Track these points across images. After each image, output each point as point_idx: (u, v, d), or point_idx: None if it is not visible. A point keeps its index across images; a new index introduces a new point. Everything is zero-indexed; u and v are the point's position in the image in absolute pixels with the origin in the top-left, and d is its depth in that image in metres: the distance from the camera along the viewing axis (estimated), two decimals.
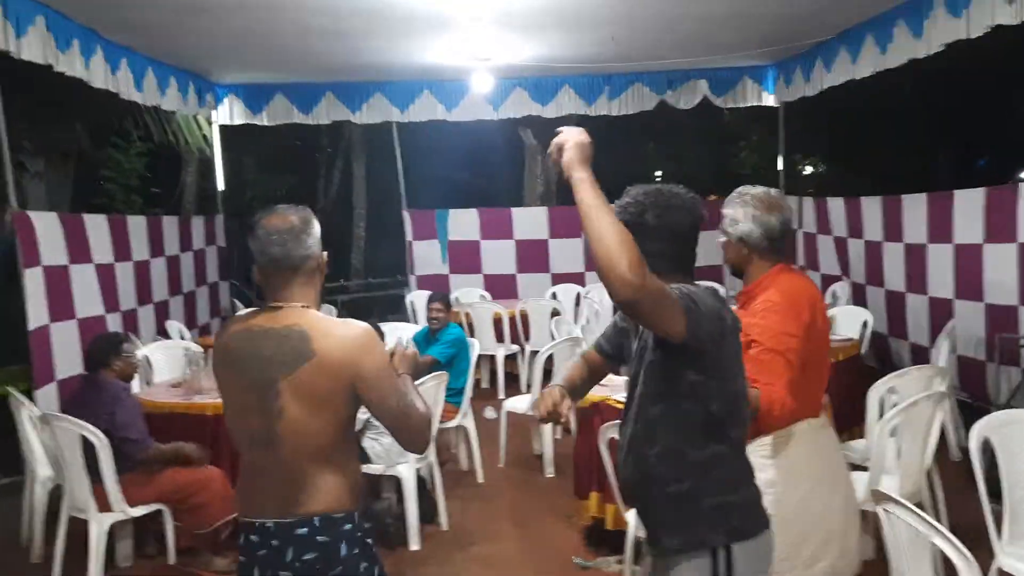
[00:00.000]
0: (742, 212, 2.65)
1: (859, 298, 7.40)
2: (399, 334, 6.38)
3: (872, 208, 7.17)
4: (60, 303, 5.53)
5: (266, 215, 2.13)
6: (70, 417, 3.95)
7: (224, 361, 2.15)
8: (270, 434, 2.04)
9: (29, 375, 5.21)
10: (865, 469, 3.86)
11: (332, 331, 2.05)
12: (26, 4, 4.76)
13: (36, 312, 5.21)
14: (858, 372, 5.63)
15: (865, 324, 6.53)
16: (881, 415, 3.87)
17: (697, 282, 2.10)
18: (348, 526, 2.06)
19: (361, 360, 2.03)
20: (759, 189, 2.74)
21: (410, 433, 2.13)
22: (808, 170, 16.07)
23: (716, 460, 2.01)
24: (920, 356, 6.38)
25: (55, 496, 4.38)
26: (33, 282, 5.20)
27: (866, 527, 4.05)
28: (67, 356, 5.38)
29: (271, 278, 2.12)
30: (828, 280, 8.10)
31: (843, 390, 5.24)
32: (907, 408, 3.52)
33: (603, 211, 1.78)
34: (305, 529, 2.02)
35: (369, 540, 2.13)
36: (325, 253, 2.18)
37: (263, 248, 2.09)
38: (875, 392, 4.08)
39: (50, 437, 4.11)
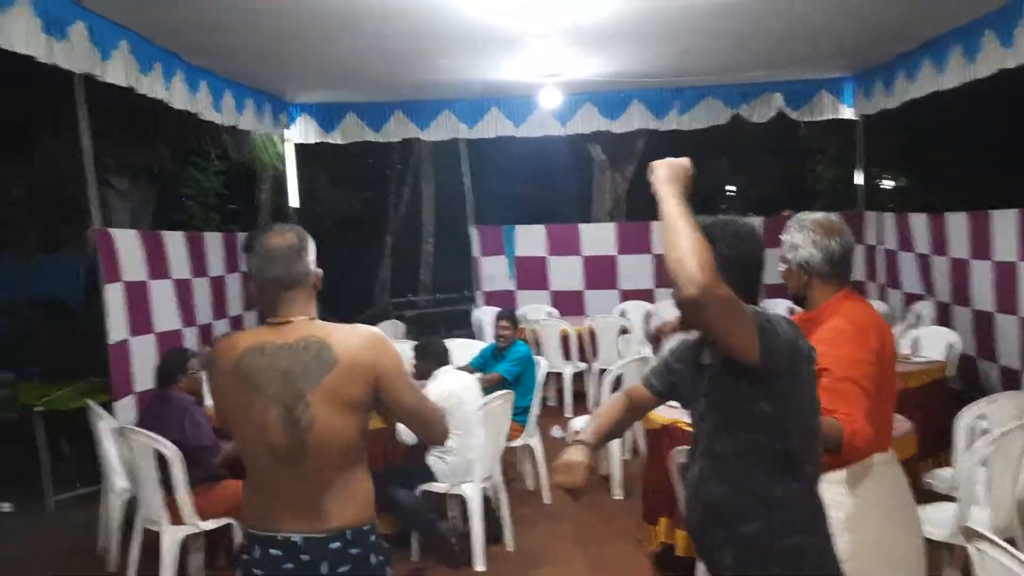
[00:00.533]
0: (801, 237, 2.59)
1: (944, 318, 7.09)
2: (466, 351, 6.41)
3: (957, 224, 6.87)
4: (139, 317, 5.69)
5: (264, 235, 2.21)
6: (145, 431, 4.04)
7: (236, 380, 2.12)
8: (299, 447, 2.06)
9: (108, 388, 5.37)
10: (951, 499, 3.67)
11: (348, 337, 2.12)
12: (111, 28, 4.93)
13: (116, 326, 5.36)
14: (944, 396, 5.39)
15: (951, 346, 6.26)
16: (969, 443, 3.67)
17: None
18: (373, 537, 2.15)
19: (379, 359, 2.12)
20: (818, 214, 2.67)
21: (428, 425, 2.26)
22: (888, 184, 15.55)
23: (790, 499, 1.91)
24: (1011, 380, 6.06)
25: (131, 507, 4.50)
26: (114, 297, 5.36)
27: (953, 560, 3.85)
28: (145, 369, 5.51)
29: (273, 295, 2.17)
30: (911, 298, 7.79)
31: (928, 415, 5.03)
32: (997, 438, 3.33)
33: (686, 220, 1.78)
34: (338, 543, 2.07)
35: (387, 545, 2.21)
36: (320, 271, 2.24)
37: (264, 266, 2.15)
38: (964, 419, 3.87)
39: (126, 449, 4.21)
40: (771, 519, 1.91)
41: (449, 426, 4.43)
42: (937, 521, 3.56)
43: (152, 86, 5.55)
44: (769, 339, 1.82)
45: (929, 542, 3.66)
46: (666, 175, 1.87)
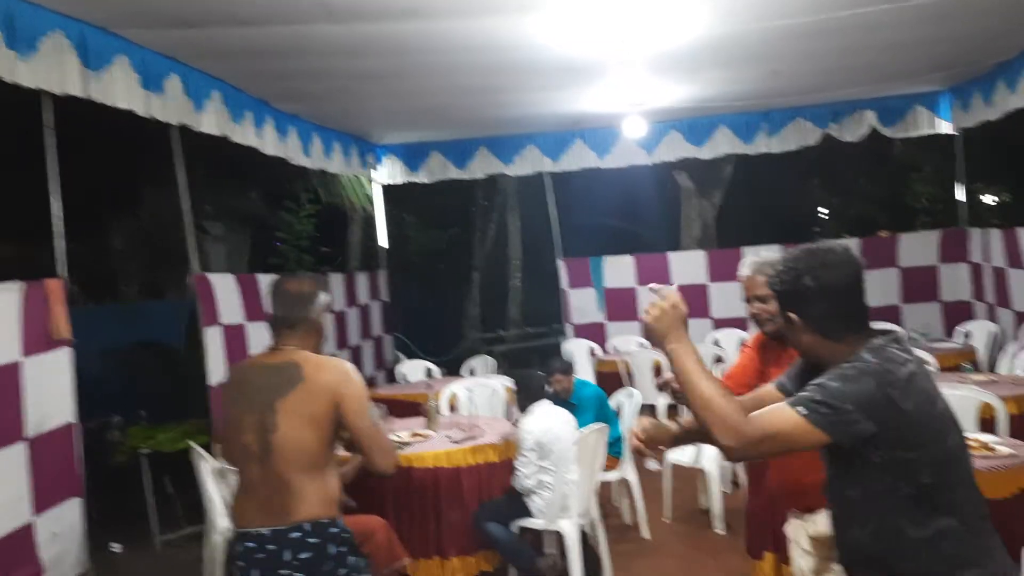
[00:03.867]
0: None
1: None
2: None
3: None
4: (237, 359, 5.84)
5: (286, 279, 2.76)
6: None
7: (234, 392, 2.68)
8: (265, 446, 2.49)
9: (209, 429, 5.51)
10: None
11: (320, 363, 2.56)
12: (204, 80, 5.15)
13: (215, 368, 5.52)
14: None
15: None
16: None
17: (876, 340, 1.88)
18: (334, 529, 2.50)
19: (342, 385, 2.52)
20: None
21: (381, 451, 2.59)
22: (991, 200, 14.82)
23: (944, 535, 1.75)
24: None
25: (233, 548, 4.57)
26: (212, 340, 5.53)
27: None
28: None
29: (276, 329, 2.66)
30: (1022, 318, 7.35)
31: None
32: None
33: (701, 376, 1.83)
34: (299, 533, 2.44)
35: (355, 542, 2.57)
36: (322, 321, 2.71)
37: (275, 305, 2.66)
38: None
39: (226, 489, 4.29)
40: (926, 557, 1.76)
41: (546, 463, 4.42)
42: None
43: (244, 134, 5.76)
44: (833, 426, 1.75)
45: None
46: (662, 332, 1.95)
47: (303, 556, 2.42)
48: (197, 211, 5.70)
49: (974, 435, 3.92)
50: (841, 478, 1.84)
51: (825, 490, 1.95)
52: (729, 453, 1.80)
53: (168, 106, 4.77)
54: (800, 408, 1.77)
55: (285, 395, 2.50)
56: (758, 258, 2.92)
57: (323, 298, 2.71)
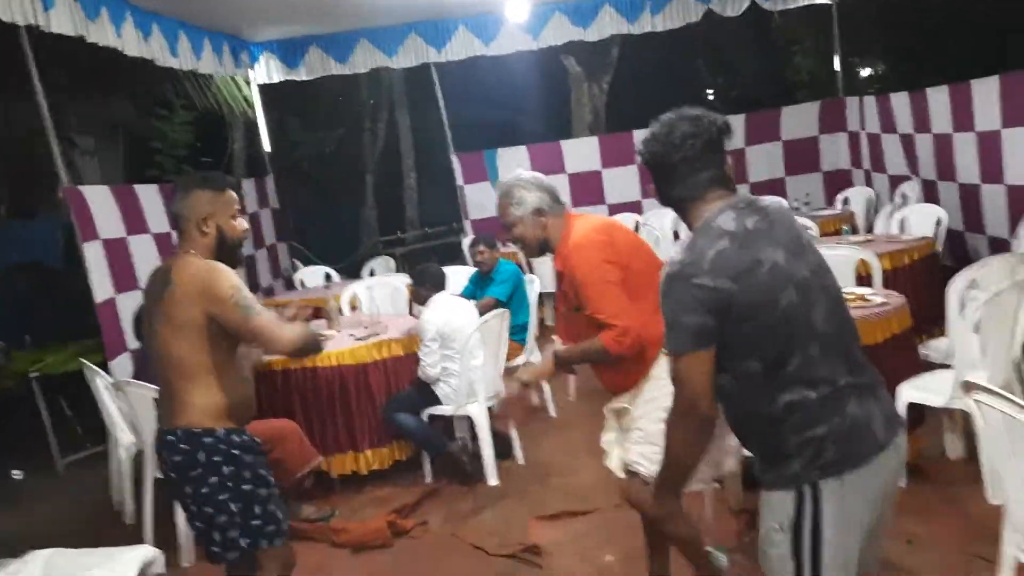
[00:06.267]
0: (520, 193, 2.87)
1: (931, 195, 7.05)
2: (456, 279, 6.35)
3: (939, 99, 6.77)
4: (123, 275, 5.61)
5: (181, 177, 2.65)
6: (141, 382, 4.02)
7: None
8: (153, 352, 2.54)
9: (101, 348, 5.33)
10: (948, 367, 3.70)
11: (188, 266, 2.47)
12: None
13: (100, 285, 5.29)
14: (934, 271, 5.40)
15: (939, 222, 6.25)
16: (962, 309, 3.67)
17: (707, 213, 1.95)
18: (208, 439, 2.47)
19: (206, 290, 2.43)
20: (514, 176, 2.97)
21: (270, 336, 2.50)
22: (869, 70, 15.32)
23: (791, 408, 1.86)
24: (999, 249, 6.05)
25: (139, 460, 4.52)
26: (94, 256, 5.27)
27: (952, 425, 3.91)
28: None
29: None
30: (896, 180, 7.75)
31: (920, 290, 5.05)
32: (990, 299, 3.32)
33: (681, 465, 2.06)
34: (172, 438, 2.49)
35: (236, 452, 2.50)
36: (213, 218, 2.55)
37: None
38: (955, 286, 3.88)
39: (126, 404, 4.20)
40: (782, 433, 1.88)
41: (449, 351, 4.49)
42: (935, 389, 3.59)
43: (101, 33, 5.34)
44: (694, 333, 1.87)
45: (929, 410, 3.72)
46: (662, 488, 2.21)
47: (175, 459, 2.48)
48: (61, 122, 5.31)
49: (851, 288, 4.17)
50: (715, 370, 1.92)
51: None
52: (707, 419, 1.94)
53: (12, 4, 4.37)
54: (666, 349, 1.93)
55: (157, 301, 2.49)
56: (505, 181, 2.94)
57: (202, 195, 2.55)
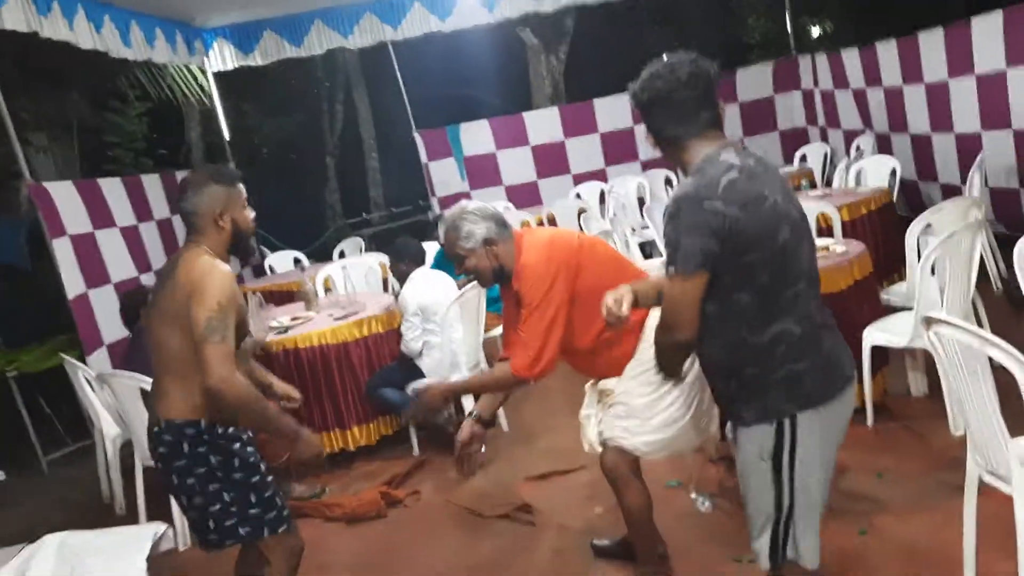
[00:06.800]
0: (468, 227, 2.81)
1: (884, 147, 7.25)
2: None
3: (888, 53, 6.95)
4: (93, 269, 5.60)
5: (191, 172, 2.63)
6: (126, 372, 4.04)
7: None
8: (149, 340, 2.54)
9: (77, 344, 5.33)
10: (909, 310, 3.86)
11: (192, 265, 2.42)
12: None
13: (72, 281, 5.29)
14: (891, 220, 5.58)
15: (893, 172, 6.44)
16: (920, 255, 3.83)
17: (707, 150, 2.03)
18: (191, 431, 2.46)
19: (199, 291, 2.36)
20: (458, 205, 2.92)
21: (206, 366, 2.33)
22: (818, 29, 15.51)
23: (779, 339, 1.97)
24: (952, 196, 6.24)
25: (126, 452, 4.55)
26: (63, 252, 5.26)
27: (915, 364, 4.09)
28: (110, 320, 5.48)
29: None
30: (850, 135, 7.94)
31: (879, 238, 5.23)
32: (946, 240, 3.48)
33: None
34: (157, 429, 2.48)
35: (222, 442, 2.49)
36: (228, 212, 2.52)
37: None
38: (912, 232, 4.04)
39: (110, 395, 4.22)
40: (764, 360, 1.99)
41: (430, 325, 4.56)
42: (898, 330, 3.75)
43: (55, 28, 5.30)
44: (699, 256, 1.93)
45: (893, 351, 3.89)
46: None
47: (160, 450, 2.49)
48: (13, 120, 5.25)
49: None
50: (703, 297, 2.00)
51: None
52: (679, 340, 2.04)
53: None
54: (670, 269, 1.96)
55: (162, 289, 2.49)
56: (449, 214, 2.90)
57: (216, 190, 2.51)
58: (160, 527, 2.36)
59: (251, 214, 2.61)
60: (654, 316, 2.67)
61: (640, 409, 2.76)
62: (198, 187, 2.51)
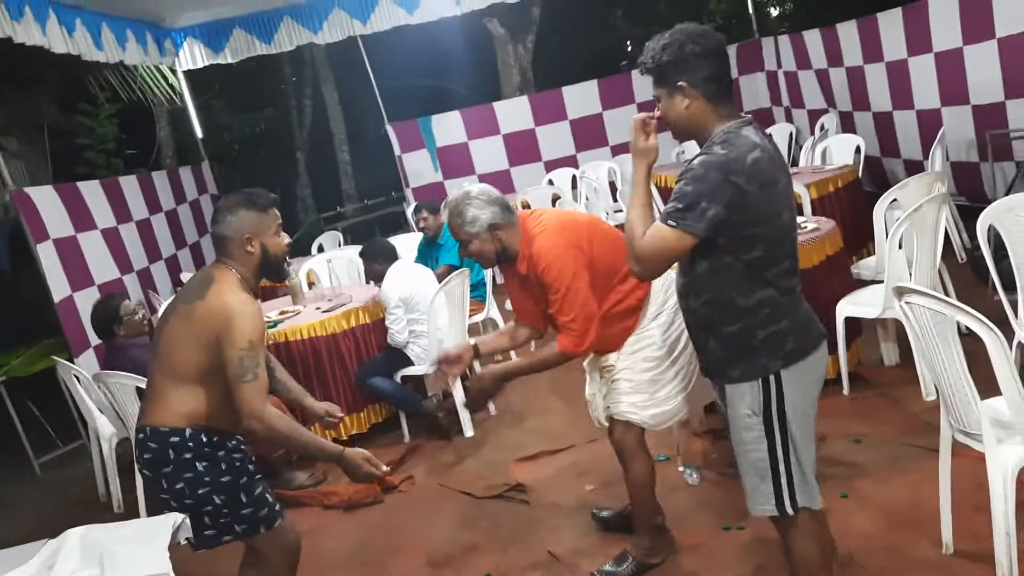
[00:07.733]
0: (473, 211, 2.87)
1: (848, 126, 7.44)
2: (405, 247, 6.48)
3: (849, 33, 7.13)
4: (77, 272, 5.63)
5: (228, 195, 2.63)
6: (122, 372, 4.11)
7: None
8: (155, 338, 2.57)
9: (65, 346, 5.36)
10: (879, 283, 4.03)
11: (225, 292, 2.45)
12: None
13: (57, 284, 5.32)
14: (858, 196, 5.76)
15: (858, 149, 6.62)
16: (887, 230, 4.00)
17: (733, 122, 2.13)
18: (176, 439, 2.47)
19: (228, 329, 2.38)
20: (463, 191, 2.95)
21: (241, 406, 2.38)
22: (779, 11, 15.74)
23: (763, 303, 2.13)
24: (915, 171, 6.46)
25: (121, 450, 4.61)
26: (47, 256, 5.29)
27: (886, 334, 4.27)
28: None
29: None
30: (814, 115, 8.12)
31: (846, 215, 5.41)
32: (912, 214, 3.65)
33: (634, 206, 2.18)
34: (142, 435, 2.51)
35: (207, 449, 2.50)
36: (258, 237, 2.52)
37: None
38: (880, 208, 4.21)
39: (106, 395, 4.28)
40: (748, 320, 2.14)
41: (415, 315, 4.67)
42: (869, 302, 3.93)
43: (28, 32, 5.32)
44: (699, 224, 2.03)
45: (865, 322, 4.06)
46: (640, 150, 2.21)
47: (145, 456, 2.50)
48: None
49: None
50: (693, 254, 2.15)
51: (680, 264, 2.28)
52: (639, 275, 2.19)
53: None
54: (670, 221, 2.07)
55: (186, 302, 2.48)
56: (453, 199, 2.94)
57: (247, 215, 2.52)
58: (178, 517, 2.41)
59: (284, 239, 2.60)
60: (657, 286, 2.85)
61: (645, 384, 2.90)
62: (229, 211, 2.52)
